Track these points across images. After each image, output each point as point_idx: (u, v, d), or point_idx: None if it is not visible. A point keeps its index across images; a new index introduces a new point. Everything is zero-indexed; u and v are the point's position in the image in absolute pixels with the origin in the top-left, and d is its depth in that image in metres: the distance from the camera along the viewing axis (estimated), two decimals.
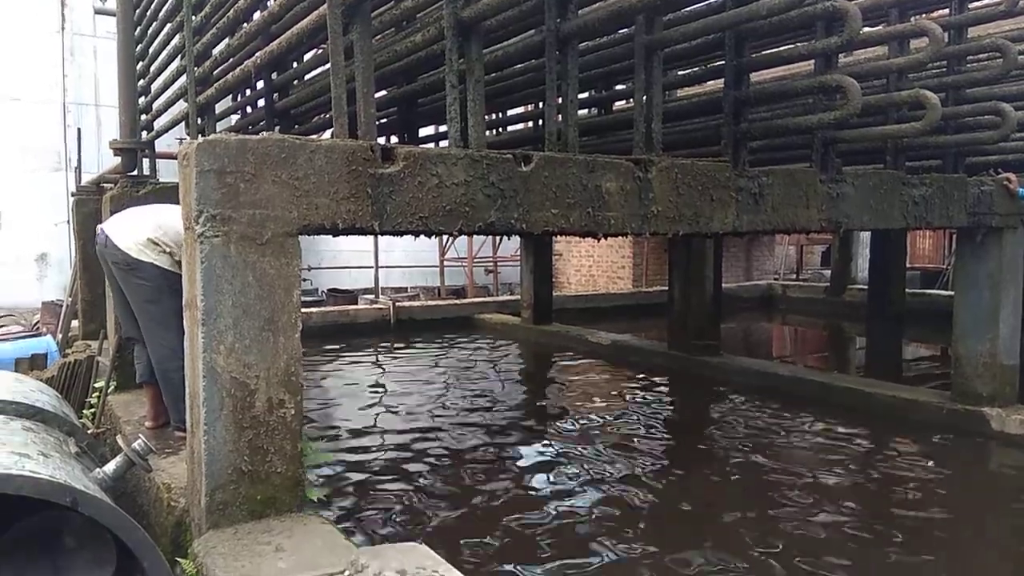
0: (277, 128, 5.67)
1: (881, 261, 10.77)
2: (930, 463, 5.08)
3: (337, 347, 9.29)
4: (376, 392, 7.32)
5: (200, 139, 2.94)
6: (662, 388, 7.43)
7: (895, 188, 4.94)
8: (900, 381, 7.43)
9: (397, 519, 4.09)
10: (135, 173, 5.73)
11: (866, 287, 11.47)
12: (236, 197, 2.94)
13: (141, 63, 6.36)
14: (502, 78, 5.32)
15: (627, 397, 7.04)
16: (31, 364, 5.74)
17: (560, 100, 3.85)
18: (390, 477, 4.77)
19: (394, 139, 6.86)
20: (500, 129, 7.39)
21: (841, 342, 11.36)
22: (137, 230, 4.16)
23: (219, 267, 2.94)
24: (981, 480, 4.96)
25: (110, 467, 3.09)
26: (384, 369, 8.51)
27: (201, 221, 2.90)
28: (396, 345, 9.52)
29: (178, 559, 2.78)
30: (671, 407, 6.88)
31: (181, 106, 6.01)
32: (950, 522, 4.22)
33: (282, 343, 3.06)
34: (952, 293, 6.07)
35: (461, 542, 3.78)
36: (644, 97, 4.08)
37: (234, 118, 6.93)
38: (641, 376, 7.72)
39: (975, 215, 5.38)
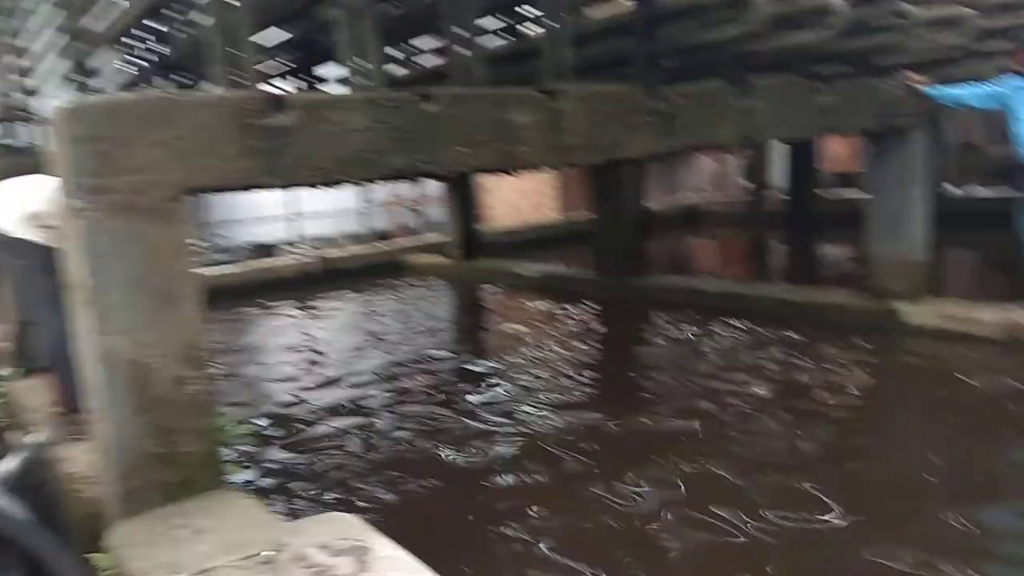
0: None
1: (795, 168, 10.95)
2: (851, 360, 5.27)
3: (261, 304, 9.00)
4: (306, 347, 7.14)
5: (70, 103, 2.65)
6: (592, 313, 7.46)
7: (805, 98, 4.92)
8: (819, 284, 7.69)
9: (331, 473, 4.01)
10: (7, 142, 5.26)
11: (784, 196, 11.70)
12: (113, 164, 2.69)
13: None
14: (407, 10, 5.02)
15: (557, 325, 7.08)
16: None
17: (462, 30, 3.64)
18: (330, 426, 4.72)
19: (297, 86, 6.50)
20: (411, 62, 7.07)
21: (763, 250, 11.60)
22: (13, 205, 3.82)
23: (104, 241, 2.70)
24: (898, 371, 5.18)
25: (8, 464, 2.88)
26: (313, 323, 8.31)
27: (78, 194, 2.65)
28: (324, 296, 9.27)
29: (92, 553, 2.63)
30: (599, 330, 6.92)
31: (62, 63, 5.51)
32: (874, 411, 4.45)
33: (181, 316, 2.87)
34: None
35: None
36: (552, 23, 3.90)
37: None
38: (571, 304, 7.74)
39: (884, 118, 5.43)
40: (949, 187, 10.61)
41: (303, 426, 4.84)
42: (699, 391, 4.87)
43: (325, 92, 3.15)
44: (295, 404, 5.37)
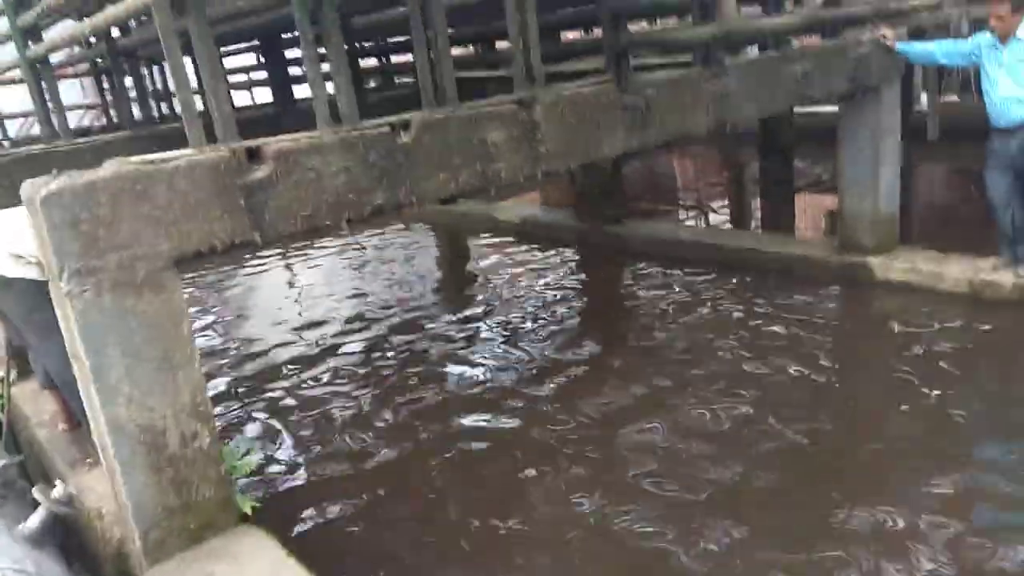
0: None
1: None
2: (821, 314, 5.52)
3: (245, 257, 9.03)
4: (292, 298, 7.35)
5: (44, 188, 2.64)
6: (570, 263, 7.62)
7: (776, 71, 4.92)
8: (792, 222, 7.88)
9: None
10: None
11: None
12: (97, 244, 2.72)
13: None
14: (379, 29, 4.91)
15: (536, 275, 7.27)
16: None
17: (430, 53, 3.59)
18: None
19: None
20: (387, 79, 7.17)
21: (738, 176, 11.67)
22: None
23: (97, 321, 2.77)
24: (868, 325, 5.44)
25: (33, 521, 3.06)
26: (295, 272, 8.41)
27: (65, 279, 2.69)
28: (305, 244, 9.30)
29: None
30: (577, 281, 7.11)
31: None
32: (843, 363, 4.78)
33: (182, 377, 2.98)
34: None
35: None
36: (518, 30, 3.83)
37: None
38: (550, 251, 7.88)
39: (856, 80, 5.44)
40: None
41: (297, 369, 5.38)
42: (669, 349, 5.17)
43: (298, 137, 3.14)
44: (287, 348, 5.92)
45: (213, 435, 3.10)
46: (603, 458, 4.01)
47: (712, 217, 9.26)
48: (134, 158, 2.86)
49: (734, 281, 6.31)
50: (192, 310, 7.53)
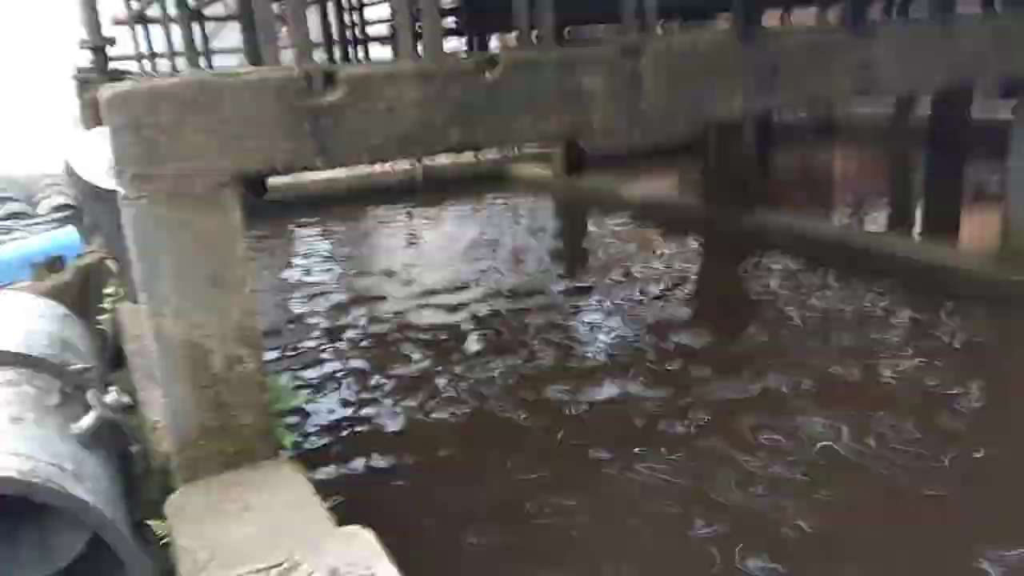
0: None
1: None
2: (977, 333, 4.80)
3: (365, 210, 9.20)
4: (407, 256, 7.39)
5: (111, 90, 2.65)
6: (691, 249, 7.14)
7: (937, 41, 4.24)
8: (955, 228, 6.98)
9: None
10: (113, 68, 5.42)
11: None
12: (157, 152, 2.69)
13: None
14: None
15: (655, 257, 6.87)
16: (49, 268, 5.79)
17: None
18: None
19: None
20: None
21: (902, 178, 10.58)
22: (100, 155, 3.96)
23: (152, 229, 2.76)
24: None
25: (84, 423, 3.11)
26: (413, 233, 8.45)
27: (125, 183, 2.69)
28: (423, 208, 9.35)
29: (147, 521, 2.85)
30: (697, 267, 6.65)
31: None
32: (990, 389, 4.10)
33: (232, 299, 2.92)
34: None
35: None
36: None
37: None
38: (672, 233, 7.43)
39: None
40: None
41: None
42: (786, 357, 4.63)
43: (374, 64, 2.97)
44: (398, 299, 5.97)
45: (259, 363, 3.04)
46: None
47: (869, 218, 8.42)
48: (205, 71, 2.82)
49: (876, 288, 5.64)
50: (316, 246, 7.78)
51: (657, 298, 5.79)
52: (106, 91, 2.64)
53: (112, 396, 3.14)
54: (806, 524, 3.10)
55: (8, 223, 8.07)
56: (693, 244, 7.25)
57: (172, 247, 2.78)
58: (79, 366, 3.72)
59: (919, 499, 3.24)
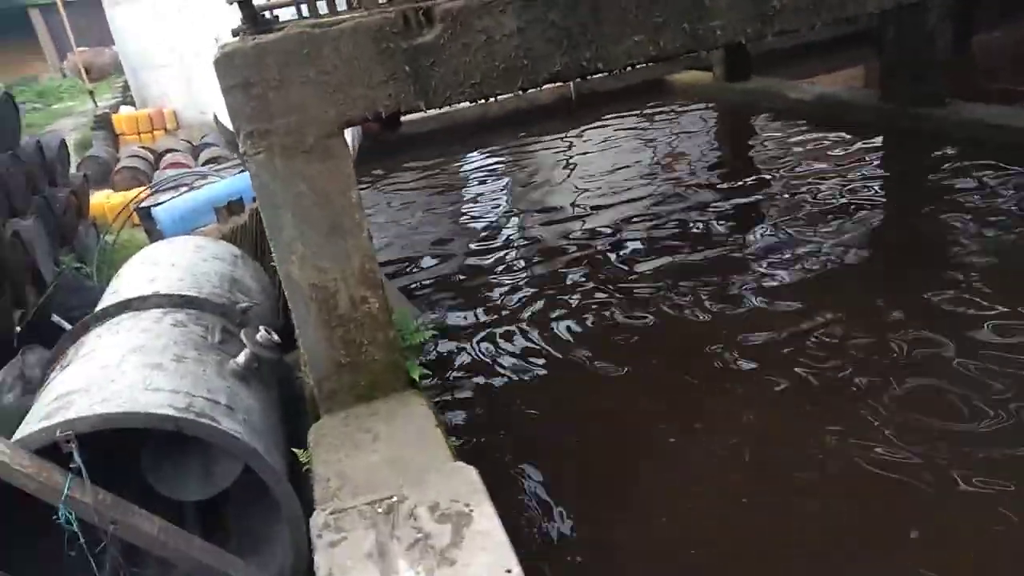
0: None
1: None
2: None
3: (523, 134, 9.15)
4: (568, 174, 7.32)
5: (219, 50, 2.79)
6: (869, 151, 6.43)
7: None
8: None
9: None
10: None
11: None
12: (268, 108, 2.82)
13: None
14: None
15: (825, 163, 6.29)
16: (229, 211, 6.32)
17: None
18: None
19: None
20: None
21: None
22: None
23: (270, 182, 2.92)
24: None
25: (240, 360, 3.44)
26: (571, 155, 8.30)
27: (242, 139, 2.85)
28: (580, 127, 9.11)
29: (293, 449, 3.12)
30: (872, 174, 5.98)
31: None
32: None
33: (352, 244, 3.06)
34: None
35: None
36: None
37: None
38: (849, 138, 6.72)
39: None
40: None
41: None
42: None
43: None
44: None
45: (383, 301, 3.18)
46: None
47: None
48: (304, 21, 2.88)
49: None
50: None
51: (818, 213, 5.30)
52: (215, 52, 2.78)
53: (262, 334, 3.43)
54: None
55: (205, 168, 8.88)
56: (870, 145, 6.52)
57: (290, 198, 2.94)
58: (243, 304, 4.09)
59: None
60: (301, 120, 2.85)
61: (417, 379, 3.29)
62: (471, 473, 2.41)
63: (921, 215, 5.11)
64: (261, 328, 3.51)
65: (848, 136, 6.75)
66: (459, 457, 2.81)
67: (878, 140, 6.62)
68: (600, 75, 9.34)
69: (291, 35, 2.78)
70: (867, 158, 6.30)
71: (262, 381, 3.55)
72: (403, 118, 3.29)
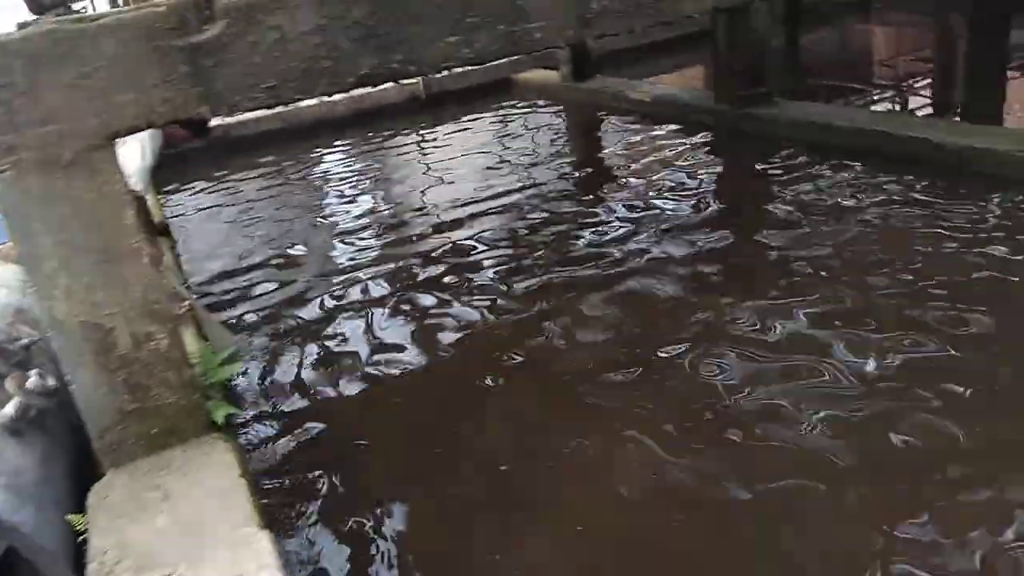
0: None
1: None
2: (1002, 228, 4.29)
3: (368, 136, 8.78)
4: (423, 172, 7.06)
5: None
6: (700, 148, 6.59)
7: None
8: (993, 109, 6.28)
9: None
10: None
11: None
12: (14, 117, 2.37)
13: None
14: None
15: (659, 160, 6.41)
16: None
17: None
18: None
19: None
20: None
21: (944, 51, 9.59)
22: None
23: (23, 204, 2.47)
24: None
25: (9, 408, 2.94)
26: (424, 154, 8.02)
27: None
28: (430, 126, 8.85)
29: (68, 517, 2.68)
30: (700, 170, 6.12)
31: None
32: None
33: (130, 272, 2.65)
34: None
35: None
36: None
37: None
38: (682, 137, 6.85)
39: None
40: None
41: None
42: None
43: None
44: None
45: (173, 337, 2.78)
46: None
47: (914, 100, 7.63)
48: (63, 17, 2.45)
49: (895, 179, 5.10)
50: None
51: (653, 204, 5.36)
52: None
53: (33, 380, 2.94)
54: None
55: None
56: (701, 142, 6.68)
57: (50, 222, 2.50)
58: (24, 341, 3.54)
59: None
60: (58, 132, 2.42)
61: (220, 421, 2.92)
62: (262, 542, 2.10)
63: (740, 205, 5.35)
64: (33, 372, 3.02)
65: (684, 136, 6.89)
66: (270, 509, 2.49)
67: (708, 136, 6.79)
68: (444, 75, 9.07)
69: (40, 32, 2.34)
70: (695, 154, 6.46)
71: (43, 430, 3.06)
72: (244, 116, 2.92)
